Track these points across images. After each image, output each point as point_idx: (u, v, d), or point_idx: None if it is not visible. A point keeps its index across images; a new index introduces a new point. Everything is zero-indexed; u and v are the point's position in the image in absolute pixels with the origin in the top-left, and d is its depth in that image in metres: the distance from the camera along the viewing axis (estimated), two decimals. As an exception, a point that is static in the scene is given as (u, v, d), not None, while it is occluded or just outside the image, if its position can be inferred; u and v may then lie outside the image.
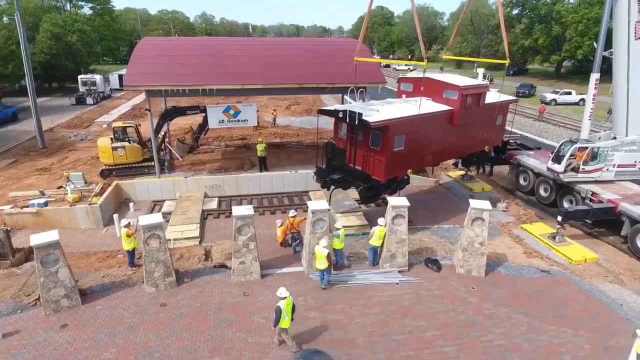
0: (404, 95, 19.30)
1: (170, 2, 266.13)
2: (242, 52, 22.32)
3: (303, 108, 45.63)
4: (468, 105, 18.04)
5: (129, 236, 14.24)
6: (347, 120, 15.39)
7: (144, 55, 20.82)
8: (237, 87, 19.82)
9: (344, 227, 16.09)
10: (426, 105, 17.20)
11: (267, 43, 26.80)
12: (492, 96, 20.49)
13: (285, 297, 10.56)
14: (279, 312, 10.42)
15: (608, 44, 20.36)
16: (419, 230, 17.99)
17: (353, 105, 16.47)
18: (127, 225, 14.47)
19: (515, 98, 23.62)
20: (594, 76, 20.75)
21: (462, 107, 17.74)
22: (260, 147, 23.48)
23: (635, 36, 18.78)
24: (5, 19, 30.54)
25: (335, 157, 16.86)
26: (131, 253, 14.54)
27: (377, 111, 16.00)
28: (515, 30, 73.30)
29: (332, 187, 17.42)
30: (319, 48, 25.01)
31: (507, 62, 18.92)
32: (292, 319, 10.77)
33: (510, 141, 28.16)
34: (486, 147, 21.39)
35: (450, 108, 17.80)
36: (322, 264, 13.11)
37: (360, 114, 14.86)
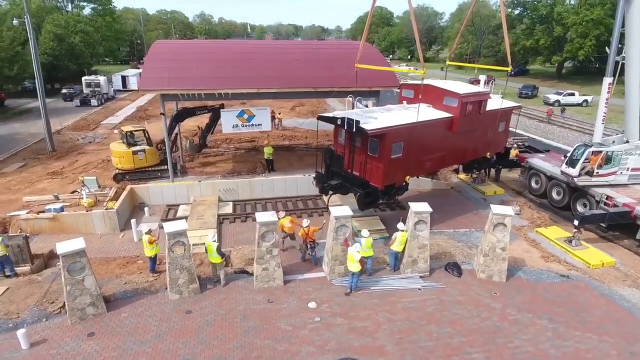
0: (404, 102, 19.25)
1: (168, 1, 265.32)
2: (255, 56, 22.29)
3: (308, 109, 45.63)
4: (468, 112, 17.95)
5: (151, 243, 14.20)
6: (345, 127, 15.57)
7: (158, 59, 20.77)
8: (252, 91, 19.79)
9: (358, 231, 16.22)
10: (426, 112, 17.17)
11: (280, 46, 26.84)
12: (495, 101, 20.30)
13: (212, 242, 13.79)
14: (205, 248, 14.30)
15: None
16: (435, 234, 18.00)
17: (352, 111, 16.53)
18: (149, 232, 14.43)
19: (518, 104, 23.26)
20: (607, 80, 20.81)
21: (462, 114, 17.67)
22: (268, 150, 23.58)
23: None
24: (15, 21, 30.37)
25: (334, 162, 17.20)
26: (153, 259, 14.52)
27: (375, 118, 16.04)
28: (516, 30, 73.59)
29: (330, 192, 17.63)
30: (331, 51, 25.01)
31: (509, 69, 18.58)
32: (222, 259, 13.85)
33: (519, 144, 28.35)
34: (488, 153, 21.17)
35: (450, 115, 17.71)
36: (354, 267, 13.20)
37: (357, 122, 14.98)
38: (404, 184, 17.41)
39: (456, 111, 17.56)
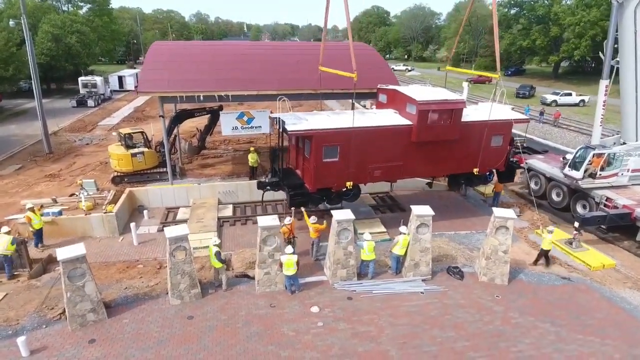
0: (373, 106, 19.08)
1: (165, 1, 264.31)
2: (254, 57, 22.17)
3: (305, 109, 45.41)
4: (432, 121, 16.56)
5: (30, 220, 15.99)
6: (279, 127, 15.96)
7: (156, 61, 20.62)
8: (252, 93, 19.69)
9: (360, 234, 16.23)
10: (380, 119, 16.86)
11: (280, 47, 26.71)
12: (494, 111, 18.31)
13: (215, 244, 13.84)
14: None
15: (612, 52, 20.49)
16: (436, 236, 17.94)
17: (293, 114, 16.76)
18: (32, 210, 16.19)
19: (525, 118, 20.34)
20: (604, 83, 20.85)
21: (422, 122, 16.39)
22: (252, 158, 22.57)
23: None
24: (11, 22, 30.13)
25: (275, 161, 17.78)
26: (38, 232, 16.24)
27: (307, 120, 16.08)
28: (513, 30, 73.83)
29: (268, 188, 17.75)
30: (331, 52, 24.87)
31: (497, 76, 16.87)
32: (222, 263, 13.78)
33: (517, 144, 28.33)
34: (475, 169, 18.59)
35: (410, 123, 16.65)
36: (291, 270, 13.35)
37: (284, 122, 15.41)
38: (346, 189, 16.75)
39: (415, 119, 16.46)
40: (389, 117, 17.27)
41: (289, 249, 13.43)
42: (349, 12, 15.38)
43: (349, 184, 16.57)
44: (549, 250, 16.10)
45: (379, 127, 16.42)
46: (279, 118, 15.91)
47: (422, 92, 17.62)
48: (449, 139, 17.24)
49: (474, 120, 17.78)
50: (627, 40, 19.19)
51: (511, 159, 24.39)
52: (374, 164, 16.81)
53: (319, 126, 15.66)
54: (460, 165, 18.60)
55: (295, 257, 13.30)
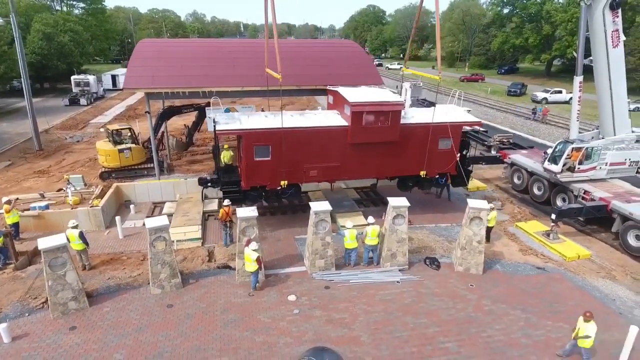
0: (319, 108, 19.30)
1: (161, 0, 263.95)
2: (240, 54, 22.47)
3: (297, 108, 45.80)
4: (367, 122, 16.43)
5: (8, 212, 16.25)
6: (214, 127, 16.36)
7: (142, 57, 20.89)
8: (237, 89, 19.98)
9: (342, 227, 16.53)
10: (318, 119, 17.12)
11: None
12: (454, 114, 18.46)
13: (73, 227, 14.37)
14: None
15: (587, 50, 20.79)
16: (417, 229, 18.35)
17: (230, 113, 17.33)
18: (8, 202, 16.69)
19: (476, 120, 19.31)
20: (577, 79, 21.16)
21: (357, 124, 16.37)
22: (227, 155, 20.25)
23: (612, 45, 19.30)
24: (0, 20, 30.31)
25: (216, 158, 18.51)
26: (16, 226, 16.55)
27: (238, 120, 16.52)
28: (506, 29, 74.42)
29: (208, 185, 18.22)
30: (316, 49, 25.25)
31: (438, 77, 16.54)
32: (86, 244, 14.64)
33: (503, 140, 28.83)
34: (422, 172, 18.32)
35: (346, 124, 16.75)
36: (251, 266, 13.29)
37: (215, 121, 15.93)
38: (279, 188, 16.95)
39: (349, 120, 16.49)
40: (327, 118, 17.36)
41: (254, 244, 13.29)
42: (275, 11, 15.42)
43: (283, 183, 16.77)
44: (491, 227, 17.39)
45: (311, 127, 16.55)
46: (213, 117, 16.24)
47: (362, 93, 17.49)
48: (388, 141, 17.03)
49: (417, 123, 17.48)
50: (598, 40, 19.48)
51: (497, 155, 24.98)
52: (310, 164, 16.88)
53: (250, 126, 16.02)
54: (405, 168, 18.30)
55: (254, 255, 13.06)
